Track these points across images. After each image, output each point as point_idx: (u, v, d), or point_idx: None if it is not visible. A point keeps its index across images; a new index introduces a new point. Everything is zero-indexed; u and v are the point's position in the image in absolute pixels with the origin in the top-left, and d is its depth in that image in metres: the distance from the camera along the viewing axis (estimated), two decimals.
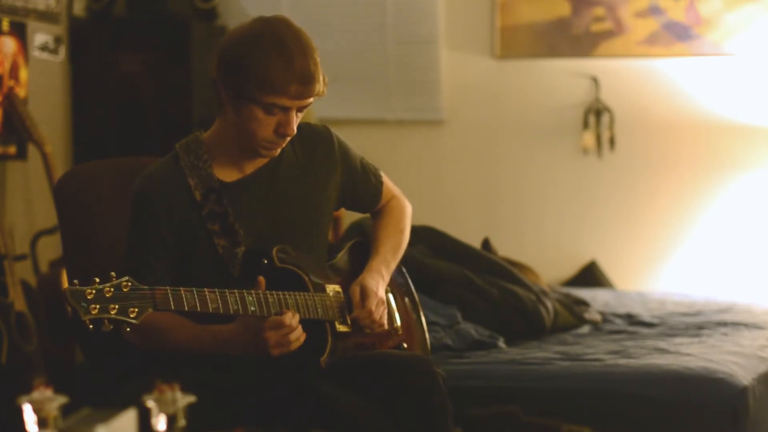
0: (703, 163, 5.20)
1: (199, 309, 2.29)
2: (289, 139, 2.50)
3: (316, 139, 2.67)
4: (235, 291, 2.35)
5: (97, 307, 2.16)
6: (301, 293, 2.47)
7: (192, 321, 2.44)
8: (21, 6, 4.71)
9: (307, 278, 2.53)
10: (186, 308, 2.28)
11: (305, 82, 2.43)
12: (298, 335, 2.40)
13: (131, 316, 2.19)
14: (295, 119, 2.47)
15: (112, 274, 2.21)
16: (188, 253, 2.50)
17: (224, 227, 2.49)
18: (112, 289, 2.19)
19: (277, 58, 2.41)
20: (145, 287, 2.23)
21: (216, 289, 2.32)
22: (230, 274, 2.48)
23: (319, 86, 2.47)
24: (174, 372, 2.04)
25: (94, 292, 2.17)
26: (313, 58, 2.46)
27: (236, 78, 2.44)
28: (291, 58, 2.42)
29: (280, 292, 2.41)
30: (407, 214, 2.85)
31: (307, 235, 2.63)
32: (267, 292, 2.39)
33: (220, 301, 2.32)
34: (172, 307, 2.26)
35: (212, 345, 2.44)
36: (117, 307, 2.18)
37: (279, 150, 2.53)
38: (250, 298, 2.36)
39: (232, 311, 2.33)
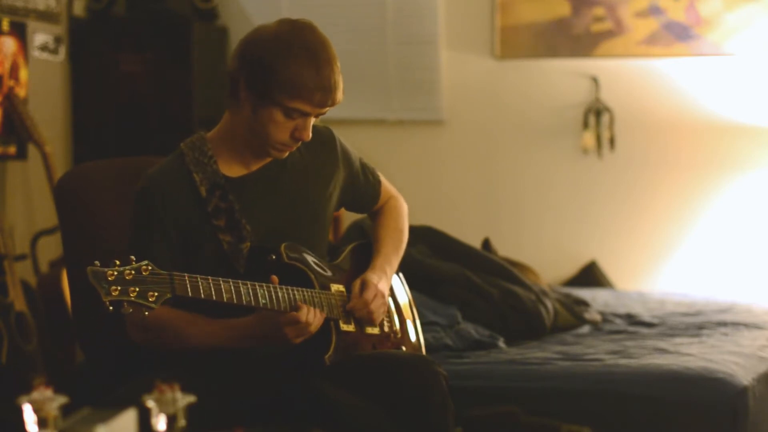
0: (703, 163, 5.20)
1: (214, 298, 2.31)
2: (300, 143, 2.52)
3: (319, 139, 2.68)
4: (248, 283, 2.37)
5: (118, 288, 2.18)
6: (308, 290, 2.49)
7: (205, 317, 2.45)
8: (21, 6, 4.71)
9: (313, 276, 2.54)
10: (202, 296, 2.29)
11: (329, 91, 2.46)
12: (316, 322, 2.43)
13: (150, 300, 2.21)
14: (311, 125, 2.50)
15: (132, 257, 2.22)
16: (193, 249, 2.50)
17: (230, 223, 2.50)
18: (133, 272, 2.20)
19: (307, 66, 2.43)
20: (164, 272, 2.24)
21: (230, 280, 2.35)
22: (236, 270, 2.48)
23: (340, 95, 2.50)
24: (174, 372, 2.04)
25: (115, 273, 2.19)
26: (337, 67, 2.49)
27: (262, 79, 2.45)
28: (320, 68, 2.44)
29: (289, 288, 2.43)
30: (405, 214, 2.87)
31: (310, 232, 2.64)
32: (278, 287, 2.41)
33: (233, 292, 2.34)
34: (190, 293, 2.27)
35: (229, 339, 2.46)
36: (137, 290, 2.20)
37: (287, 153, 2.55)
38: (262, 291, 2.38)
39: (244, 302, 2.35)
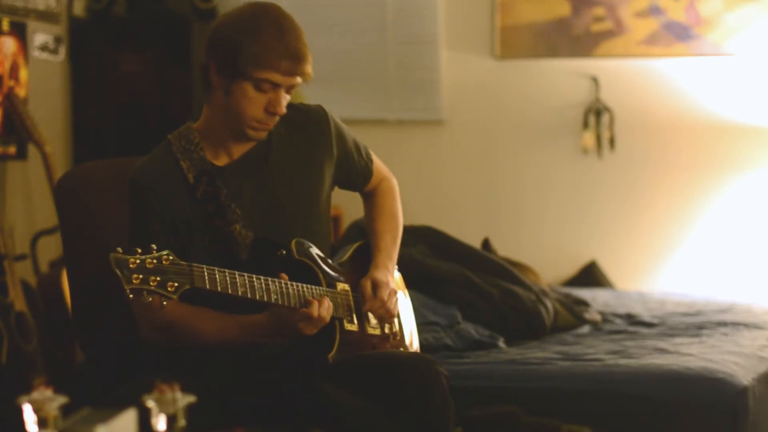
0: (703, 163, 5.21)
1: (230, 291, 2.31)
2: (276, 119, 2.52)
3: (311, 120, 2.68)
4: (261, 278, 2.37)
5: (140, 277, 2.18)
6: (317, 287, 2.49)
7: (215, 311, 2.45)
8: (21, 6, 4.71)
9: (320, 274, 2.54)
10: (219, 289, 2.29)
11: (296, 59, 2.47)
12: (328, 312, 2.44)
13: (170, 290, 2.21)
14: (284, 99, 2.50)
15: (153, 246, 2.22)
16: (188, 236, 2.51)
17: (218, 208, 2.51)
18: (154, 261, 2.20)
19: (271, 34, 2.46)
20: (184, 263, 2.24)
21: (245, 274, 2.35)
22: (233, 256, 2.48)
23: (309, 67, 2.51)
24: (174, 372, 2.04)
25: (137, 261, 2.18)
26: (303, 38, 2.51)
27: (229, 56, 2.47)
28: (284, 36, 2.47)
29: (298, 284, 2.43)
30: (397, 195, 2.88)
31: (305, 215, 2.63)
32: (289, 283, 2.41)
33: (248, 286, 2.34)
34: (207, 286, 2.27)
35: (239, 335, 2.46)
36: (158, 279, 2.20)
37: (266, 133, 2.54)
38: (274, 287, 2.38)
39: (258, 297, 2.35)
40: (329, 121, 2.70)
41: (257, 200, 2.57)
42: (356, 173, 2.78)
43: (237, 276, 2.33)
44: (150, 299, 2.20)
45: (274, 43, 2.45)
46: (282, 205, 2.59)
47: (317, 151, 2.66)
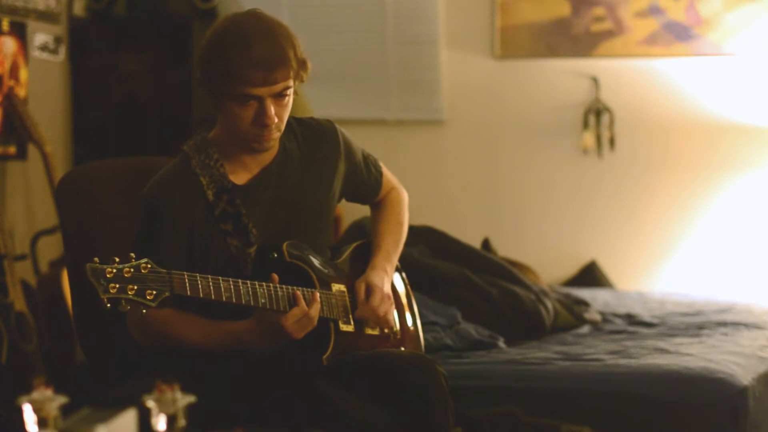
0: (703, 163, 5.21)
1: (213, 297, 2.30)
2: (275, 129, 2.46)
3: (321, 135, 2.66)
4: (248, 282, 2.36)
5: (116, 286, 2.17)
6: (309, 289, 2.48)
7: (203, 318, 2.44)
8: (21, 6, 4.71)
9: (314, 275, 2.53)
10: (201, 295, 2.28)
11: (268, 69, 2.41)
12: (317, 312, 2.43)
13: (148, 298, 2.20)
14: (272, 108, 2.43)
15: (132, 255, 2.21)
16: (202, 254, 2.49)
17: (237, 227, 2.49)
18: (132, 270, 2.19)
19: (239, 48, 2.40)
20: (163, 270, 2.23)
21: (230, 279, 2.33)
22: (243, 273, 2.47)
23: (288, 72, 2.43)
24: (174, 372, 2.04)
25: (114, 271, 2.18)
26: (276, 43, 2.42)
27: (207, 75, 2.45)
28: (249, 46, 2.40)
29: (289, 287, 2.42)
30: (405, 205, 2.86)
31: (315, 229, 2.63)
32: (278, 285, 2.40)
33: (233, 291, 2.33)
34: (188, 292, 2.26)
35: (225, 342, 2.44)
36: (135, 288, 2.19)
37: (271, 142, 2.50)
38: (261, 290, 2.37)
39: (243, 302, 2.34)
40: (338, 136, 2.68)
41: (270, 216, 2.55)
42: (365, 187, 2.78)
43: (221, 281, 2.32)
44: (128, 308, 2.19)
45: (242, 55, 2.39)
46: (292, 220, 2.58)
47: (326, 167, 2.65)
